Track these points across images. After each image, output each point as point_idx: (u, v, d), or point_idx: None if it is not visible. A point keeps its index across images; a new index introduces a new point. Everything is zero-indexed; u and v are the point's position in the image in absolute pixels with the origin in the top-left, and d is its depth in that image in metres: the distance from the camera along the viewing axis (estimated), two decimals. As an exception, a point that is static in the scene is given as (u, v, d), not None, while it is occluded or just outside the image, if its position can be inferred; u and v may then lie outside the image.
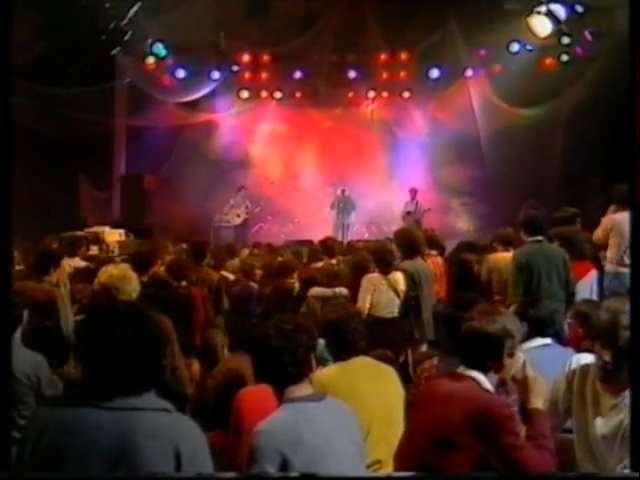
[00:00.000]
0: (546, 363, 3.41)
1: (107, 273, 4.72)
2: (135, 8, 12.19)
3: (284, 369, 2.74)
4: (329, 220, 16.20)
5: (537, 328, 4.02)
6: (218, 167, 15.66)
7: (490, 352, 2.98)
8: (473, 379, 2.95)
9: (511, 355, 3.03)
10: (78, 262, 7.76)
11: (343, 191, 15.80)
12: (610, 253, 6.71)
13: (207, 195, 15.21)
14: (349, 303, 4.00)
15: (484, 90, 15.14)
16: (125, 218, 14.42)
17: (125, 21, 12.46)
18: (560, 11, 12.33)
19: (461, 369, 3.02)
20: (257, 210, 15.97)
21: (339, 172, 16.42)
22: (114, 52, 13.25)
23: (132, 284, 4.70)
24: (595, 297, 6.38)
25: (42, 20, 11.91)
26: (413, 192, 14.95)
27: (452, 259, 8.08)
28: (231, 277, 8.27)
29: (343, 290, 6.62)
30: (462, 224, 14.73)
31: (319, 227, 16.12)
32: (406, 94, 16.18)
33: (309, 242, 13.34)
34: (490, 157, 15.14)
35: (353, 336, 3.65)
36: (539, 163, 14.85)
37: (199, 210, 15.56)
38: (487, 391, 2.94)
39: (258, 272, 8.00)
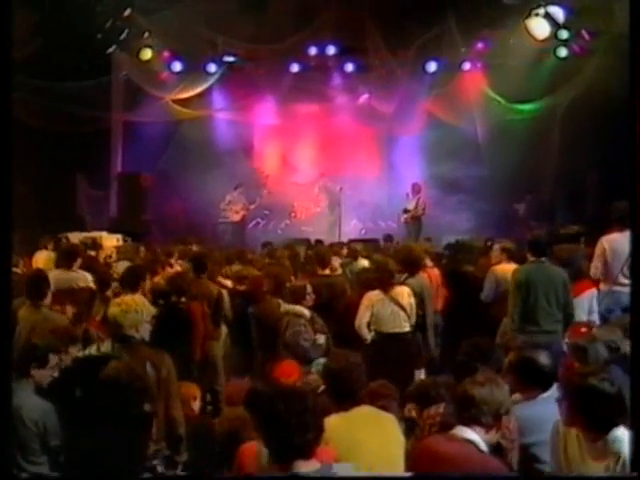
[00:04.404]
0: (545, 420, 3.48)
1: (113, 308, 4.67)
2: (131, 7, 12.09)
3: (292, 447, 2.73)
4: (325, 216, 16.17)
5: (539, 382, 3.98)
6: (215, 162, 15.53)
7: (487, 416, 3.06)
8: (470, 441, 3.01)
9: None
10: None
11: (340, 189, 15.75)
12: (601, 271, 6.72)
13: (204, 191, 15.15)
14: (350, 353, 3.99)
15: (481, 85, 15.09)
16: (122, 216, 14.43)
17: (121, 19, 12.35)
18: (558, 13, 12.29)
19: (457, 430, 3.09)
20: (254, 206, 15.91)
21: (335, 167, 16.41)
22: (110, 50, 13.15)
23: (138, 317, 4.59)
24: (595, 316, 6.45)
25: (38, 18, 11.81)
26: (416, 188, 14.87)
27: (450, 269, 8.13)
28: (229, 284, 8.25)
29: (305, 311, 6.55)
30: (459, 220, 14.69)
31: (315, 222, 16.16)
32: (403, 88, 16.08)
33: (306, 240, 13.40)
34: (487, 152, 15.12)
35: (354, 386, 3.67)
36: (536, 158, 14.81)
37: (196, 206, 15.56)
38: (483, 452, 3.01)
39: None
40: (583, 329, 6.01)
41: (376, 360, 5.94)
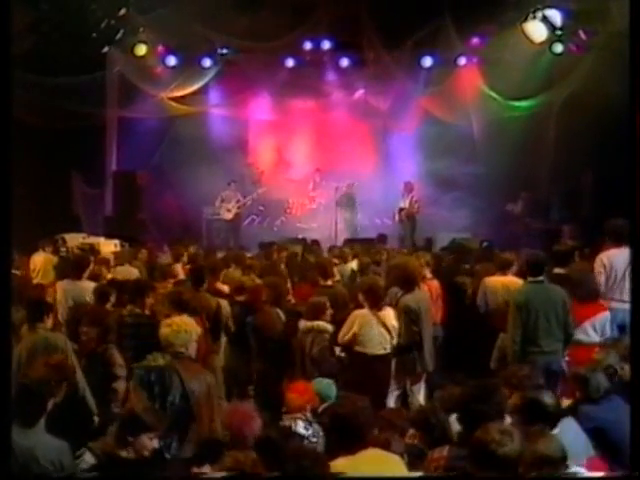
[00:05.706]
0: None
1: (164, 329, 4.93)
2: (126, 6, 11.99)
3: None
4: (320, 213, 16.12)
5: (545, 422, 4.01)
6: (210, 159, 15.44)
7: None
8: None
9: None
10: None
11: (343, 186, 15.66)
12: (603, 288, 6.72)
13: (199, 188, 15.09)
14: (358, 396, 4.02)
15: (477, 82, 15.04)
16: (118, 215, 14.38)
17: (117, 19, 12.24)
18: (556, 17, 12.24)
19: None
20: (249, 202, 15.83)
21: (330, 163, 16.36)
22: (105, 50, 13.05)
23: (187, 337, 4.90)
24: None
25: (34, 17, 11.71)
26: (408, 187, 14.83)
27: (449, 280, 8.16)
28: (225, 289, 8.23)
29: (327, 326, 6.61)
30: (454, 218, 14.67)
31: (310, 219, 16.13)
32: (399, 84, 16.00)
33: (302, 240, 13.40)
34: (483, 150, 15.10)
35: (361, 430, 3.71)
36: (532, 156, 14.79)
37: (191, 203, 15.53)
38: None
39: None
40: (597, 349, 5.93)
41: (356, 380, 6.14)
